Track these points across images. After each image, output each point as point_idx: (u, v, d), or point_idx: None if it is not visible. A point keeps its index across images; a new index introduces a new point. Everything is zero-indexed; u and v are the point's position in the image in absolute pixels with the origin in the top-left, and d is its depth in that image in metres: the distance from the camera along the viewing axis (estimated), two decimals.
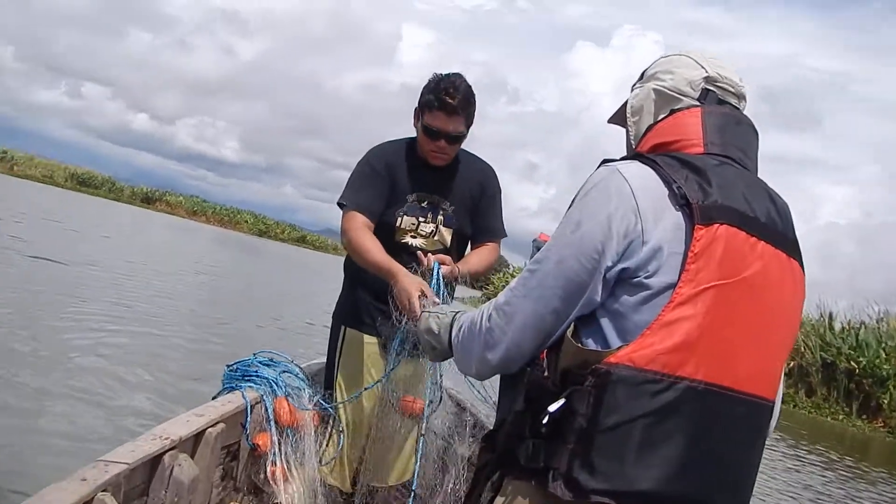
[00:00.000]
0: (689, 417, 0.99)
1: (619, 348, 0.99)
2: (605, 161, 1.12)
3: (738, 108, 1.22)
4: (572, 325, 1.07)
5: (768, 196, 1.11)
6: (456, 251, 2.49)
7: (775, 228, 1.08)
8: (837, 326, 15.73)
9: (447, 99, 2.25)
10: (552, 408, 0.99)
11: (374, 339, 2.42)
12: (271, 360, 2.40)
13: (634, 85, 1.29)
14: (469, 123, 2.34)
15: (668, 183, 1.03)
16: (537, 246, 1.34)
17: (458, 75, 2.32)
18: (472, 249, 2.54)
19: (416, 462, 2.16)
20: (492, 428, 1.19)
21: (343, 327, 2.45)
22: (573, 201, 1.12)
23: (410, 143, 2.45)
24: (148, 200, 53.24)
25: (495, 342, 1.13)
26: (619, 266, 1.02)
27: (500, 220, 2.56)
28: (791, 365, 15.22)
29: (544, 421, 0.99)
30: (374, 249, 2.23)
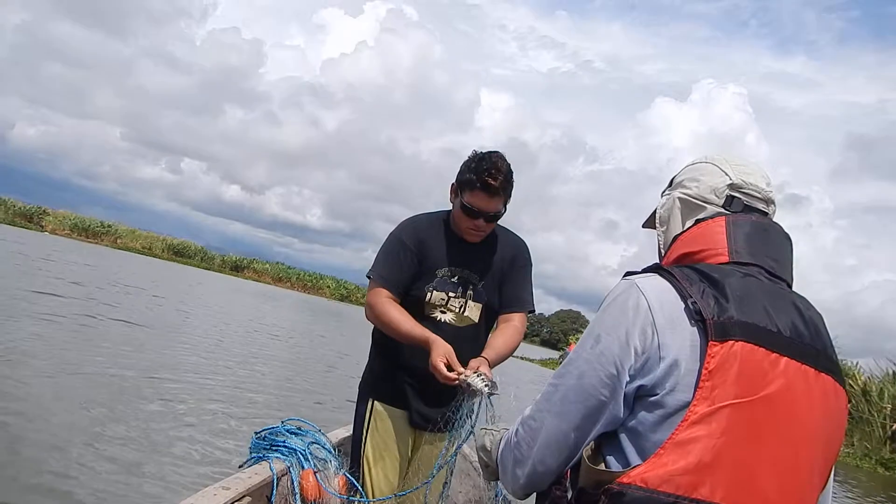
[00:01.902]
0: None
1: (632, 468, 0.97)
2: (627, 273, 1.13)
3: (766, 214, 1.20)
4: (592, 444, 1.06)
5: (795, 308, 1.07)
6: (485, 326, 2.49)
7: (801, 342, 1.03)
8: None
9: (489, 180, 2.26)
10: None
11: (402, 413, 2.42)
12: (299, 428, 2.45)
13: (664, 192, 1.31)
14: (507, 202, 2.35)
15: (683, 298, 1.03)
16: (566, 356, 1.38)
17: (500, 155, 2.32)
18: (498, 321, 2.53)
19: None
20: None
21: (371, 400, 2.46)
22: (595, 317, 1.13)
23: (444, 217, 2.48)
24: (237, 268, 55.56)
25: (523, 458, 1.13)
26: (637, 383, 1.02)
27: (528, 292, 2.53)
28: (894, 427, 14.12)
29: None
30: (403, 320, 2.27)
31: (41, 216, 47.85)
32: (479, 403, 2.37)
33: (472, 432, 2.16)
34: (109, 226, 51.52)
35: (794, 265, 1.17)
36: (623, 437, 1.03)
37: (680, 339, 1.00)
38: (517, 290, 2.51)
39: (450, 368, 2.13)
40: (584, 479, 1.03)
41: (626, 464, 1.00)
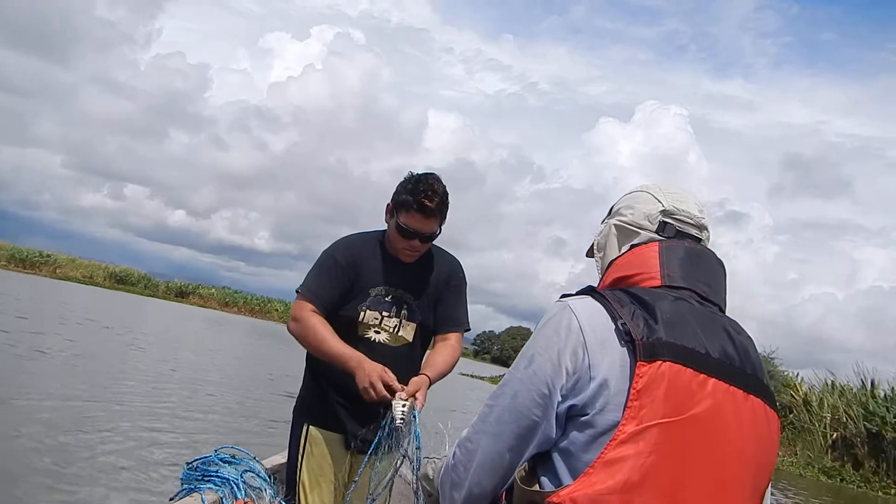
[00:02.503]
0: None
1: (562, 488, 0.98)
2: (563, 296, 1.14)
3: (700, 240, 1.24)
4: (526, 464, 1.07)
5: (725, 332, 1.09)
6: (420, 345, 2.48)
7: (731, 365, 1.05)
8: (881, 394, 15.10)
9: (426, 202, 2.28)
10: None
11: (337, 437, 2.39)
12: (233, 456, 2.37)
13: (602, 220, 1.34)
14: (442, 223, 2.36)
15: (614, 319, 1.04)
16: None
17: (436, 177, 2.34)
18: (434, 341, 2.52)
19: None
20: None
21: (305, 424, 2.42)
22: (530, 338, 1.13)
23: (378, 236, 2.47)
24: (182, 294, 54.15)
25: (460, 481, 1.13)
26: (568, 402, 1.03)
27: (464, 312, 2.53)
28: (834, 436, 14.57)
29: None
30: (329, 336, 2.24)
31: None
32: (414, 425, 2.34)
33: (404, 457, 2.15)
34: (48, 255, 49.75)
35: (727, 289, 1.19)
36: (556, 458, 1.04)
37: (609, 360, 1.02)
38: (453, 310, 2.51)
39: (390, 389, 2.10)
40: (517, 500, 1.04)
41: (558, 484, 1.01)
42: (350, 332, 2.36)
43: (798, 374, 18.15)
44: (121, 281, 51.25)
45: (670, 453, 0.97)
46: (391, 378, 2.12)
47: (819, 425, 14.98)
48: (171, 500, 2.20)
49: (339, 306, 2.37)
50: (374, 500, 2.39)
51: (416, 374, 2.46)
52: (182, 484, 2.27)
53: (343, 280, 2.37)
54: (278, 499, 2.32)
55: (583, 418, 1.01)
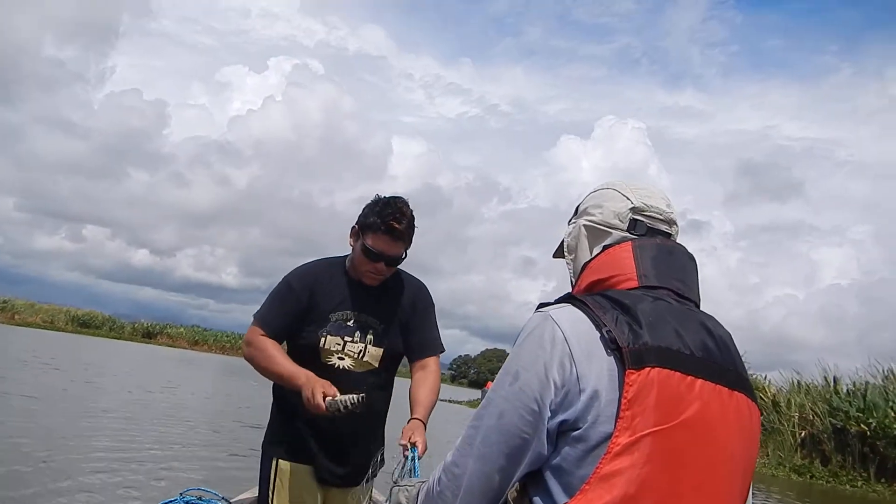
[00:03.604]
0: None
1: None
2: (541, 305, 1.11)
3: (669, 235, 1.23)
4: (518, 485, 1.04)
5: (704, 329, 1.07)
6: (387, 370, 2.45)
7: (713, 362, 1.04)
8: (843, 389, 15.44)
9: (394, 224, 2.25)
10: None
11: (307, 469, 2.35)
12: (200, 498, 2.36)
13: (570, 220, 1.31)
14: (408, 247, 2.34)
15: (598, 327, 1.01)
16: (486, 394, 1.29)
17: (404, 201, 2.33)
18: (413, 369, 2.49)
19: None
20: None
21: (274, 458, 2.37)
22: (511, 352, 1.09)
23: (340, 261, 2.45)
24: (149, 335, 53.06)
25: (462, 490, 1.06)
26: (559, 418, 0.99)
27: (436, 334, 2.51)
28: (803, 434, 14.84)
29: None
30: (278, 358, 2.22)
31: None
32: (409, 460, 2.40)
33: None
34: (5, 301, 48.46)
35: (699, 284, 1.18)
36: (548, 476, 1.01)
37: (597, 370, 0.99)
38: (426, 334, 2.48)
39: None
40: None
41: (553, 501, 0.98)
42: (312, 358, 2.32)
43: (766, 377, 18.41)
44: (84, 324, 50.07)
45: (664, 461, 0.95)
46: (333, 391, 2.09)
47: (788, 425, 15.20)
48: None
49: (298, 333, 2.34)
50: None
51: (385, 399, 2.50)
52: None
53: (297, 306, 2.33)
54: None
55: (574, 433, 0.98)
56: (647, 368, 0.97)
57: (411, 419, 2.31)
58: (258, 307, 2.41)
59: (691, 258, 1.19)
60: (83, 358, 22.57)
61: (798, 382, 16.91)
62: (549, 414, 1.00)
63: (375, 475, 2.40)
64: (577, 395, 0.98)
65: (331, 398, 2.03)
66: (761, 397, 17.03)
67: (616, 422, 0.95)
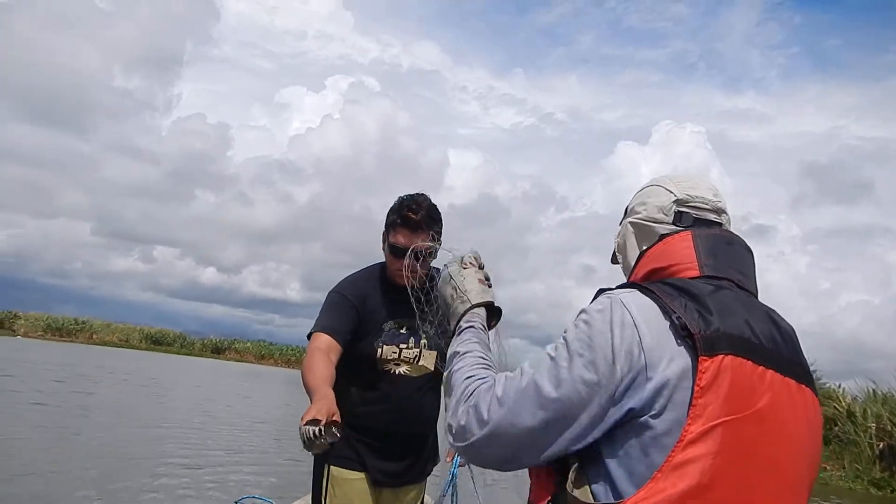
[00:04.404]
0: None
1: (631, 496, 0.93)
2: (602, 290, 1.08)
3: (720, 224, 1.20)
4: (575, 471, 1.01)
5: (771, 320, 1.05)
6: (438, 372, 2.45)
7: (781, 354, 1.01)
8: None
9: (410, 215, 2.27)
10: None
11: (360, 475, 2.37)
12: None
13: (620, 222, 1.30)
14: (436, 239, 2.26)
15: (667, 313, 0.99)
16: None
17: (422, 194, 2.33)
18: None
19: None
20: None
21: (327, 465, 2.39)
22: (573, 329, 1.05)
23: (378, 270, 2.45)
24: (217, 350, 54.60)
25: (481, 427, 1.04)
26: (625, 406, 0.96)
27: None
28: (881, 446, 14.10)
29: None
30: (315, 370, 2.13)
31: (12, 320, 47.01)
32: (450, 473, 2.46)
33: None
34: (83, 322, 50.66)
35: (756, 278, 1.16)
36: (610, 463, 0.97)
37: (668, 357, 0.96)
38: None
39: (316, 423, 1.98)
40: None
41: (616, 492, 0.96)
42: (371, 368, 2.35)
43: (840, 385, 17.64)
44: (157, 342, 51.91)
45: (737, 452, 0.93)
46: (328, 417, 1.94)
47: (864, 436, 14.50)
48: None
49: (356, 345, 2.34)
50: None
51: (437, 403, 2.51)
52: None
53: (354, 316, 2.33)
54: None
55: (640, 420, 0.95)
56: (720, 356, 0.94)
57: None
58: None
59: (749, 250, 1.16)
60: (157, 374, 23.72)
61: (874, 391, 16.11)
62: (610, 401, 0.96)
63: (429, 474, 2.44)
64: (644, 382, 0.95)
65: (305, 424, 1.88)
66: (835, 407, 16.29)
67: (689, 409, 0.92)
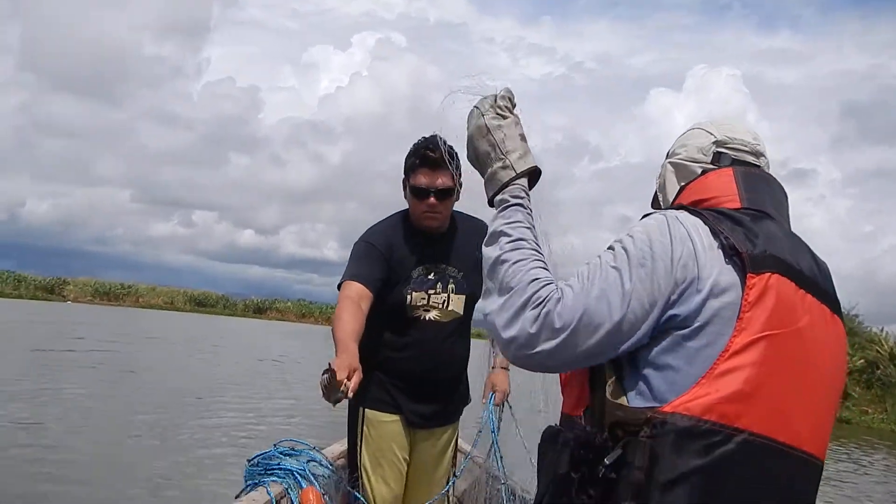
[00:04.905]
0: (746, 473, 0.95)
1: (676, 399, 0.95)
2: (646, 215, 1.11)
3: (758, 167, 1.22)
4: (614, 380, 1.03)
5: (809, 252, 1.10)
6: (467, 315, 2.47)
7: (818, 283, 1.06)
8: None
9: (429, 153, 2.25)
10: (609, 459, 0.96)
11: (395, 417, 2.40)
12: (293, 448, 2.42)
13: (662, 165, 1.31)
14: (456, 180, 2.28)
15: (715, 234, 1.02)
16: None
17: (437, 135, 2.30)
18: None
19: None
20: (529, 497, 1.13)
21: (362, 409, 2.43)
22: (631, 240, 1.04)
23: (402, 218, 2.44)
24: (259, 311, 55.70)
25: (556, 344, 1.01)
26: (670, 312, 0.99)
27: None
28: None
29: (601, 473, 0.95)
30: (342, 321, 2.13)
31: (62, 286, 48.50)
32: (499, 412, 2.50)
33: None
34: (129, 286, 52.09)
35: (790, 223, 1.17)
36: (650, 373, 1.00)
37: (717, 272, 0.99)
38: None
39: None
40: (608, 418, 1.00)
41: (654, 398, 0.98)
42: (400, 316, 2.37)
43: (883, 329, 17.27)
44: (200, 304, 53.16)
45: (777, 365, 0.97)
46: (354, 379, 1.98)
47: None
48: (236, 497, 2.25)
49: (385, 294, 2.35)
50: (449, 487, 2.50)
51: (467, 343, 2.54)
52: (245, 481, 2.33)
53: (383, 264, 2.33)
54: (343, 484, 2.38)
55: (684, 331, 0.98)
56: (767, 274, 0.99)
57: (493, 369, 2.39)
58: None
59: (785, 193, 1.19)
60: (205, 334, 24.57)
61: None
62: (661, 307, 0.99)
63: (460, 414, 2.49)
64: (695, 293, 0.98)
65: (326, 377, 1.91)
66: (878, 350, 16.04)
67: (735, 322, 0.96)
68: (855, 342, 15.97)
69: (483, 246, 1.17)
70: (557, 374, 1.15)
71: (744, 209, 1.10)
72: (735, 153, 1.21)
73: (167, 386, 10.51)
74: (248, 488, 2.28)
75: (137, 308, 46.76)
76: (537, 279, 1.06)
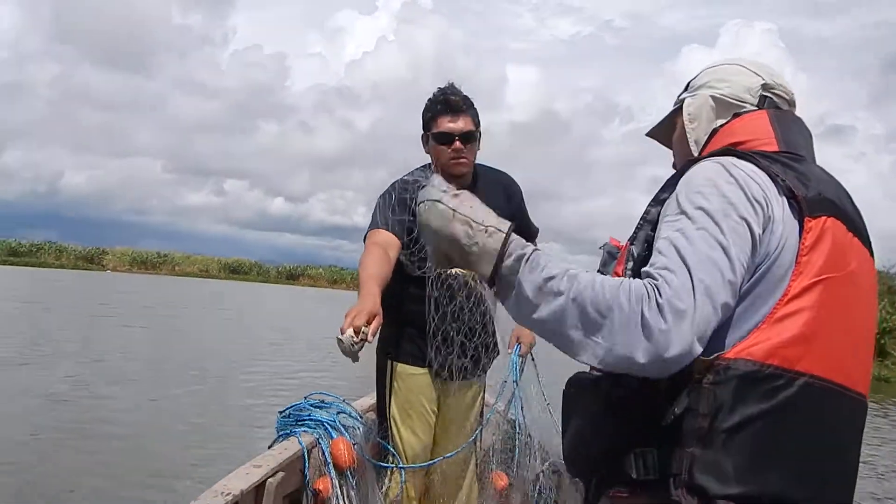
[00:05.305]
0: (808, 415, 0.95)
1: (733, 346, 0.94)
2: (693, 161, 1.07)
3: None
4: None
5: (847, 195, 1.09)
6: None
7: (860, 228, 1.06)
8: None
9: (451, 98, 2.26)
10: (678, 408, 0.93)
11: (423, 371, 2.40)
12: (322, 401, 2.43)
13: (681, 96, 1.27)
14: (477, 125, 2.31)
15: (771, 176, 1.01)
16: (608, 251, 1.18)
17: (452, 83, 2.34)
18: None
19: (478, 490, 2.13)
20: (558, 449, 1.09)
21: (391, 362, 2.43)
22: (702, 197, 0.98)
23: (423, 172, 2.40)
24: (292, 277, 56.58)
25: (668, 339, 0.88)
26: (761, 254, 0.97)
27: (531, 222, 2.59)
28: None
29: (667, 424, 0.94)
30: (367, 266, 2.08)
31: (101, 256, 49.74)
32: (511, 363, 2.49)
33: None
34: (165, 255, 53.25)
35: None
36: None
37: (779, 215, 0.99)
38: (524, 222, 2.54)
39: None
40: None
41: (716, 344, 0.94)
42: (427, 270, 2.34)
43: None
44: (234, 271, 54.13)
45: (833, 308, 0.97)
46: (373, 326, 1.86)
47: None
48: (269, 447, 2.27)
49: (410, 245, 2.32)
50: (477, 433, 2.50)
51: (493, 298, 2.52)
52: (277, 431, 2.34)
53: (409, 215, 2.28)
54: (372, 435, 2.37)
55: (752, 274, 0.96)
56: (823, 217, 0.98)
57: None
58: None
59: (811, 135, 1.18)
60: (239, 300, 25.40)
61: None
62: (757, 247, 0.96)
63: (489, 367, 2.50)
64: (770, 234, 0.97)
65: (348, 335, 1.79)
66: None
67: (794, 266, 0.96)
68: None
69: (535, 313, 0.96)
70: None
71: (782, 152, 1.08)
72: (778, 100, 1.18)
73: (204, 347, 11.33)
74: (280, 438, 2.30)
75: (174, 276, 47.73)
76: (620, 282, 0.93)
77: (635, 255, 1.05)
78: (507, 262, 0.98)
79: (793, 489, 0.94)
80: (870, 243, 1.08)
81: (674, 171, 1.14)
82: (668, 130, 1.29)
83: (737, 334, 0.95)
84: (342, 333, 1.74)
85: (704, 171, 1.03)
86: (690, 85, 1.27)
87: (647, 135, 1.35)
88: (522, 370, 2.56)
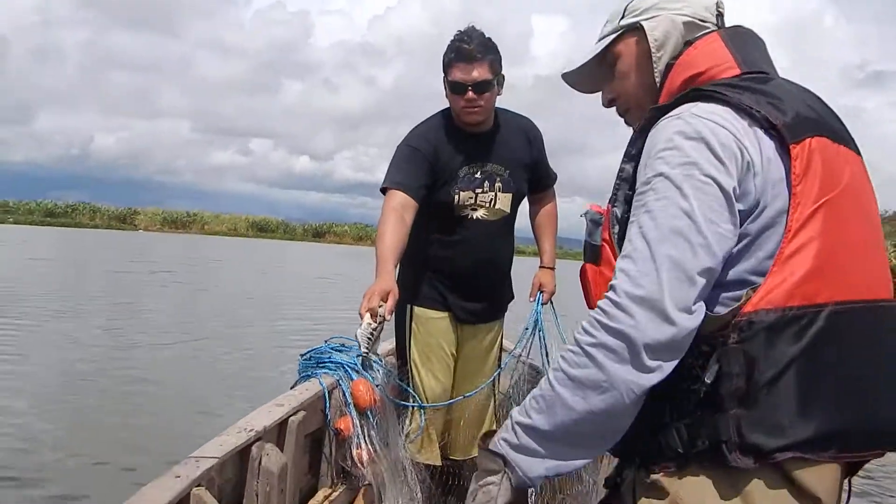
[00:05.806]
0: (842, 342, 0.92)
1: (749, 297, 0.91)
2: (658, 113, 1.01)
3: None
4: None
5: (818, 99, 1.04)
6: (513, 214, 2.48)
7: (843, 131, 1.02)
8: None
9: (464, 45, 2.21)
10: (708, 377, 0.90)
11: (443, 314, 2.43)
12: (342, 345, 2.45)
13: (622, 22, 1.13)
14: (495, 72, 2.25)
15: (741, 110, 0.96)
16: (591, 219, 1.13)
17: (472, 27, 2.27)
18: (530, 200, 2.60)
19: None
20: None
21: (409, 306, 2.45)
22: (663, 163, 0.94)
23: (446, 115, 2.40)
24: (318, 234, 56.98)
25: (645, 329, 0.89)
26: (740, 206, 0.93)
27: (550, 167, 2.58)
28: None
29: (703, 392, 0.91)
30: (384, 238, 2.13)
31: (133, 216, 50.57)
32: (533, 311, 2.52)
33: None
34: (195, 214, 53.91)
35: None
36: (723, 275, 0.95)
37: (757, 151, 0.94)
38: (543, 170, 2.55)
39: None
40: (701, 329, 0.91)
41: (733, 299, 0.93)
42: (448, 215, 2.37)
43: None
44: (262, 229, 54.67)
45: (839, 228, 0.94)
46: (388, 304, 2.01)
47: None
48: (291, 388, 2.30)
49: (433, 194, 2.33)
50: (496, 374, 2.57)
51: (512, 243, 2.55)
52: (299, 373, 2.38)
53: (427, 168, 2.30)
54: (392, 377, 2.40)
55: (747, 223, 0.93)
56: (807, 139, 0.94)
57: (540, 268, 2.55)
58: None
59: (763, 42, 1.11)
60: (267, 257, 26.42)
61: None
62: (734, 199, 0.92)
63: (505, 311, 2.55)
64: (752, 179, 0.93)
65: (365, 325, 1.97)
66: None
67: (790, 199, 0.92)
68: None
69: (553, 425, 0.96)
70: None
71: (744, 74, 1.02)
72: (721, 17, 1.12)
73: (233, 301, 12.04)
74: (302, 380, 2.33)
75: (203, 235, 48.41)
76: (578, 337, 0.94)
77: (619, 216, 1.03)
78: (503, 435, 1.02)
79: (847, 419, 0.92)
80: (853, 141, 1.03)
81: (618, 117, 1.14)
82: (595, 70, 1.17)
83: (744, 282, 0.93)
84: (360, 318, 1.93)
85: (664, 132, 0.97)
86: (628, 9, 1.13)
87: (564, 77, 1.21)
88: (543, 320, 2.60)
